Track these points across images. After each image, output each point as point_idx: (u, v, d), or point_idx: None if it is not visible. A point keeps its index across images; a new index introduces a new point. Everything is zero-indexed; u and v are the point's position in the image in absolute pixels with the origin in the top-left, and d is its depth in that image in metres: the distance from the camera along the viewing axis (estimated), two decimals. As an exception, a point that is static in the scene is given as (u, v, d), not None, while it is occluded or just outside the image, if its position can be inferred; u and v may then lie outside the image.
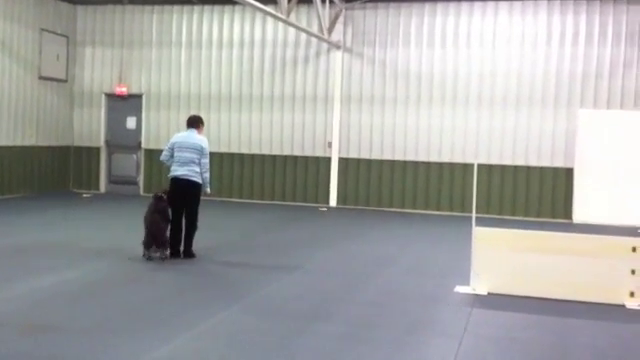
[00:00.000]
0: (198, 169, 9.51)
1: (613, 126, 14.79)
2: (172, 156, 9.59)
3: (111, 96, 17.99)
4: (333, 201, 16.47)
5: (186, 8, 17.36)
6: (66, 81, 17.86)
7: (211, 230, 11.09)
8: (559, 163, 15.22)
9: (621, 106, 14.89)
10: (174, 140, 9.70)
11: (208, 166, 9.63)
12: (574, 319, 7.18)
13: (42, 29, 16.95)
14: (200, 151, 9.51)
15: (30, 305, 6.98)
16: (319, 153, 16.62)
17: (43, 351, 5.58)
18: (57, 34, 17.45)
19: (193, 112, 16.97)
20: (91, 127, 18.11)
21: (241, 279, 8.55)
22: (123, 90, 17.75)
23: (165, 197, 9.48)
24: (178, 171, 9.50)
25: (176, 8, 17.42)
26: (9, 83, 16.08)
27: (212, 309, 7.01)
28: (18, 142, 16.43)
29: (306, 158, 16.70)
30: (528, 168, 15.40)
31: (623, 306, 7.67)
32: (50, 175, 17.47)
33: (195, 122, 9.86)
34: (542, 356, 5.99)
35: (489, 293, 7.99)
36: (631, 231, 12.48)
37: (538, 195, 15.37)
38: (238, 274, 8.88)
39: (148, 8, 17.62)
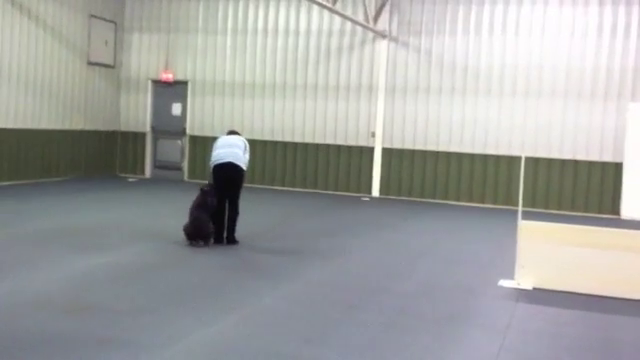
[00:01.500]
0: (242, 156, 9.58)
1: (665, 120, 14.39)
2: None
3: (157, 82, 18.18)
4: (376, 191, 16.40)
5: (232, -5, 17.43)
6: (114, 67, 18.11)
7: (254, 217, 11.14)
8: (608, 158, 14.89)
9: (674, 100, 14.49)
10: (216, 143, 9.83)
11: (247, 161, 9.74)
12: (620, 316, 7.02)
13: (91, 15, 17.19)
14: (242, 146, 9.67)
15: (76, 285, 7.09)
16: (362, 143, 16.54)
17: (87, 331, 5.66)
18: (106, 20, 17.68)
19: (238, 99, 17.23)
20: (137, 113, 18.34)
21: (282, 266, 8.56)
22: (169, 76, 17.92)
23: (209, 190, 9.45)
24: (222, 157, 9.55)
25: (223, -5, 17.50)
26: (58, 68, 16.37)
27: (253, 295, 7.03)
28: (67, 126, 16.73)
29: (349, 147, 16.65)
30: (576, 162, 15.10)
31: (673, 304, 7.48)
32: (97, 159, 17.75)
33: (234, 133, 10.25)
34: (587, 352, 5.86)
35: (534, 288, 7.85)
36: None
37: (585, 190, 15.06)
38: (279, 261, 8.89)
39: (195, -5, 17.74)
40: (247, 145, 9.78)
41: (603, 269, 7.78)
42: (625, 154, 14.62)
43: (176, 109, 18.06)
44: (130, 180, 17.47)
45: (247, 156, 9.71)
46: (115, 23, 17.98)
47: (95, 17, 17.31)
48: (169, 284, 7.36)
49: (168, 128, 18.11)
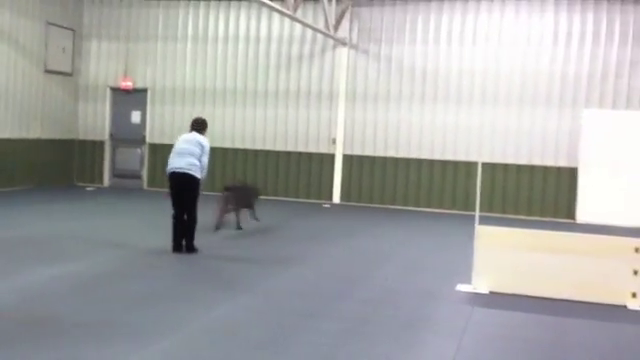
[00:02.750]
0: (196, 161, 9.31)
1: (617, 126, 14.74)
2: None
3: (116, 90, 18.02)
4: (337, 198, 16.48)
5: (192, 3, 17.38)
6: (71, 74, 17.90)
7: (213, 225, 11.09)
8: (563, 163, 15.19)
9: (627, 106, 14.84)
10: (175, 144, 9.59)
11: (206, 165, 9.46)
12: (575, 319, 7.16)
13: (48, 22, 16.97)
14: (200, 146, 9.38)
15: (32, 297, 6.99)
16: (323, 149, 16.61)
17: (42, 343, 5.58)
18: (63, 27, 17.48)
19: (198, 107, 17.08)
20: (96, 121, 18.14)
21: (241, 274, 8.55)
22: (128, 84, 17.77)
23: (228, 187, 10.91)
24: (175, 164, 9.34)
25: (182, 3, 17.44)
26: (15, 76, 16.12)
27: (210, 304, 7.01)
28: (23, 135, 16.47)
29: (310, 154, 16.70)
30: (532, 167, 15.37)
31: (625, 307, 7.65)
32: (54, 168, 17.50)
33: (199, 126, 9.72)
34: (542, 356, 5.96)
35: (491, 292, 7.97)
36: (634, 232, 12.43)
37: (541, 194, 15.34)
38: (238, 269, 8.88)
39: (154, 2, 17.64)
40: (206, 146, 9.45)
41: (557, 273, 7.93)
42: (580, 159, 14.93)
43: (135, 117, 17.92)
44: (88, 189, 17.26)
45: (205, 160, 9.40)
46: (73, 30, 17.78)
47: (52, 24, 17.09)
48: (125, 295, 7.29)
49: (127, 136, 17.95)
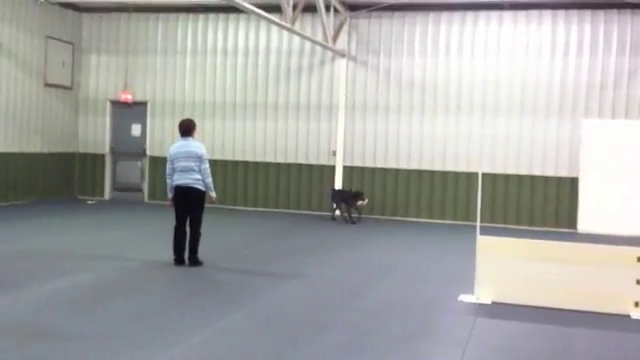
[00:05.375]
0: (199, 176, 9.49)
1: (617, 135, 14.75)
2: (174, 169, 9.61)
3: (116, 103, 18.04)
4: (337, 210, 16.43)
5: (191, 16, 17.43)
6: (71, 88, 17.92)
7: (215, 237, 11.09)
8: (563, 173, 15.19)
9: (626, 115, 14.86)
10: (171, 152, 9.69)
11: (209, 171, 9.59)
12: (578, 328, 7.15)
13: (48, 36, 17.02)
14: (198, 158, 9.50)
15: (33, 311, 6.98)
16: (323, 161, 16.62)
17: (44, 358, 5.56)
18: (63, 41, 17.52)
19: (198, 119, 16.73)
20: (96, 134, 18.16)
21: (243, 286, 8.53)
22: (128, 97, 17.79)
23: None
24: (180, 180, 9.50)
25: (181, 16, 17.49)
26: (15, 90, 16.15)
27: (213, 317, 6.99)
28: (24, 149, 16.48)
29: (310, 166, 16.71)
30: (532, 177, 15.37)
31: (628, 316, 7.63)
32: (55, 182, 17.49)
33: (187, 129, 9.77)
34: (546, 366, 5.95)
35: (493, 302, 7.96)
36: (636, 241, 12.42)
37: (542, 204, 15.34)
38: (240, 281, 8.86)
39: (153, 16, 17.69)
40: (203, 154, 9.54)
41: (561, 282, 7.92)
42: (580, 169, 14.93)
43: (135, 130, 17.93)
44: (89, 202, 17.25)
45: (205, 166, 9.51)
46: (72, 44, 17.82)
47: (52, 38, 17.14)
48: (127, 309, 7.27)
49: (128, 149, 17.96)
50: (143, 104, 17.80)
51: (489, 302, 7.96)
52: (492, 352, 6.31)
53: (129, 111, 17.93)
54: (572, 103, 15.16)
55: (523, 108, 15.41)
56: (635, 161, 14.62)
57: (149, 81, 17.75)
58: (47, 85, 17.12)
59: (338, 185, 16.37)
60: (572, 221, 15.06)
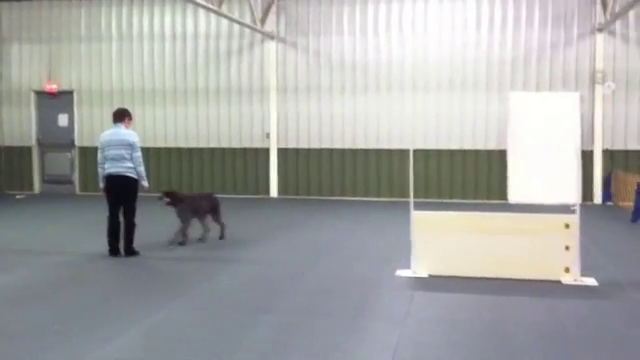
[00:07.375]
0: (131, 164, 9.32)
1: (542, 107, 15.13)
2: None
3: (41, 93, 17.52)
4: (274, 192, 16.46)
5: (114, 1, 17.02)
6: (-7, 80, 17.33)
7: (153, 226, 10.94)
8: (492, 146, 15.56)
9: (550, 88, 15.29)
10: (101, 139, 9.49)
11: (141, 159, 9.42)
12: (513, 297, 7.37)
13: (-36, 26, 16.37)
14: (130, 146, 9.32)
15: (-35, 312, 6.78)
16: (257, 144, 16.57)
17: (-20, 358, 5.43)
18: (-19, 31, 16.88)
19: (128, 107, 16.71)
20: (21, 126, 17.62)
21: (184, 273, 8.48)
22: (53, 87, 17.31)
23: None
24: (111, 169, 9.32)
25: (104, 1, 17.07)
26: None
27: (156, 305, 6.93)
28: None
29: (244, 150, 16.64)
30: (464, 152, 15.69)
31: (559, 282, 7.92)
32: (-20, 177, 16.93)
33: (120, 116, 9.60)
34: (483, 335, 6.12)
35: (430, 275, 8.13)
36: (564, 209, 12.84)
37: (474, 177, 15.70)
38: (181, 269, 8.80)
39: (75, 2, 17.22)
40: (135, 142, 9.35)
41: (494, 252, 8.16)
42: (508, 141, 15.26)
43: (63, 120, 17.47)
44: (18, 197, 16.76)
45: (137, 155, 9.35)
46: (-9, 34, 17.21)
47: (-31, 28, 16.50)
48: (66, 303, 7.14)
49: (55, 140, 17.49)
50: (69, 93, 17.34)
51: (426, 275, 8.14)
52: (431, 324, 6.46)
53: (55, 101, 17.44)
54: (498, 77, 15.51)
55: (452, 84, 15.69)
56: (559, 131, 15.04)
57: (74, 70, 17.29)
58: (-34, 77, 16.50)
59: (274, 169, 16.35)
60: (503, 192, 15.32)
